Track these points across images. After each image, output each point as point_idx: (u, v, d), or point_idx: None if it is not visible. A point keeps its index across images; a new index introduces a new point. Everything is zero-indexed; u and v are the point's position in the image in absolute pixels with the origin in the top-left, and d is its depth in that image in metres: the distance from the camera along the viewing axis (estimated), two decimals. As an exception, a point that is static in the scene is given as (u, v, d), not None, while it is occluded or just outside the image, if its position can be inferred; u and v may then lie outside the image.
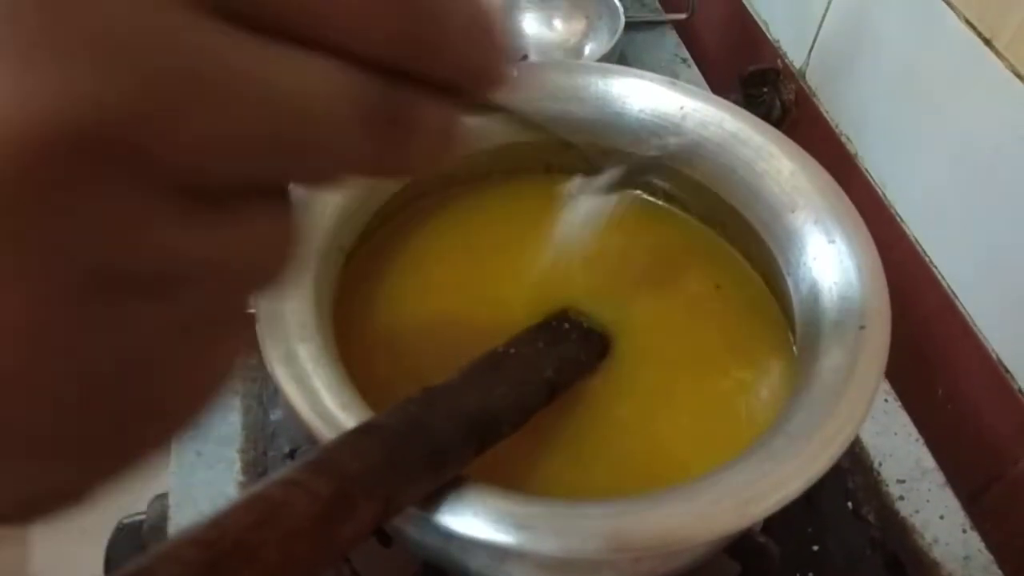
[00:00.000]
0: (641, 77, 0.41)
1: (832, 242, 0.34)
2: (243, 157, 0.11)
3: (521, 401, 0.32)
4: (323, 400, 0.29)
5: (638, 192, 0.44)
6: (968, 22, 0.50)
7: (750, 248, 0.41)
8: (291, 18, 0.11)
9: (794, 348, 0.37)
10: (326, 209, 0.36)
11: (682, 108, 0.40)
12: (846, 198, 0.36)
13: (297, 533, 0.20)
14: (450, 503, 0.27)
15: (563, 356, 0.36)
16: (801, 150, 0.38)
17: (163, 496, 0.46)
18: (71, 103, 0.10)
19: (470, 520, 0.27)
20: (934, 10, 0.52)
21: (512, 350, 0.34)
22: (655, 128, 0.41)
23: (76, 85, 0.10)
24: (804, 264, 0.35)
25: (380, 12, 0.12)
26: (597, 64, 0.43)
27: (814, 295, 0.34)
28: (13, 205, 0.10)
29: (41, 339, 0.11)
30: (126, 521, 0.48)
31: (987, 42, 0.49)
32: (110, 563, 0.48)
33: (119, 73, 0.10)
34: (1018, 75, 0.46)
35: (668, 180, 0.42)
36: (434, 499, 0.27)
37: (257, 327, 0.32)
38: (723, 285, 0.41)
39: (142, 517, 0.47)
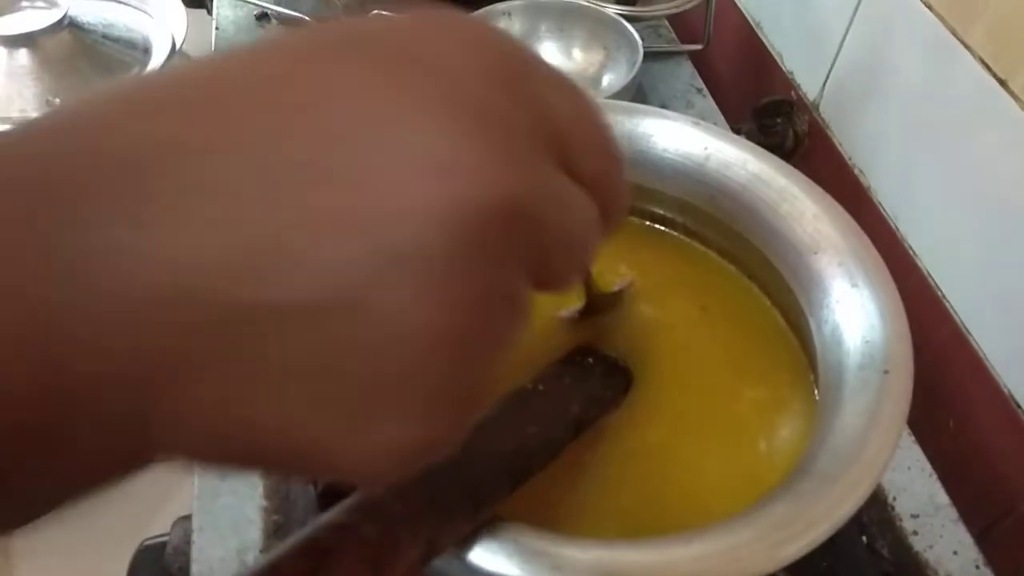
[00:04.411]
0: (666, 117, 0.42)
1: (855, 286, 0.35)
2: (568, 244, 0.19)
3: (550, 439, 0.32)
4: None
5: (661, 227, 0.45)
6: (983, 62, 0.51)
7: (770, 286, 0.42)
8: (582, 169, 0.19)
9: (815, 388, 0.38)
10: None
11: (706, 148, 0.41)
12: (868, 242, 0.36)
13: (349, 579, 0.21)
14: (483, 542, 0.28)
15: (589, 392, 0.36)
16: (824, 193, 0.38)
17: (186, 518, 0.47)
18: (509, 190, 0.16)
19: (503, 560, 0.27)
20: (949, 49, 0.53)
21: (540, 387, 0.35)
22: (679, 167, 0.41)
23: (514, 180, 0.16)
24: (827, 306, 0.36)
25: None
26: (622, 103, 0.44)
27: (837, 338, 0.35)
28: (467, 251, 0.15)
29: (474, 328, 0.16)
30: (148, 542, 0.49)
31: (1002, 83, 0.50)
32: (131, 584, 0.49)
33: (530, 176, 0.17)
34: (1033, 117, 0.47)
35: (691, 218, 0.43)
36: (467, 538, 0.28)
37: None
38: (739, 317, 0.42)
39: (164, 539, 0.48)
